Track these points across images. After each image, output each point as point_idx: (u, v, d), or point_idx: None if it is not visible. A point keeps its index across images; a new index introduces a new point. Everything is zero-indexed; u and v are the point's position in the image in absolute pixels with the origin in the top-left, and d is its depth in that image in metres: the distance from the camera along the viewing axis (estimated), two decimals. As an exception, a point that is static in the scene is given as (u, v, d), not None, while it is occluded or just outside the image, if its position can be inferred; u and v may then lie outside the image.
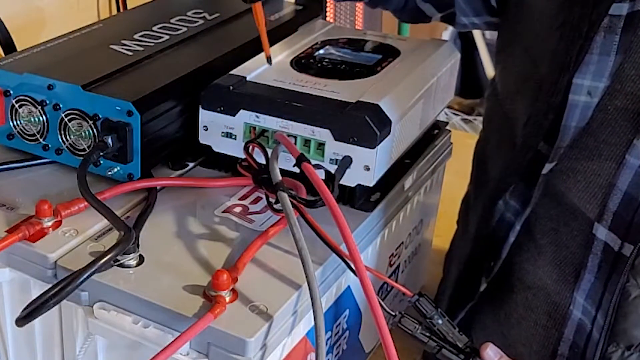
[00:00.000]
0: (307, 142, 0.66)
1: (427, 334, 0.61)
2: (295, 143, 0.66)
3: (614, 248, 0.66)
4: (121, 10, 1.21)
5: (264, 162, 0.65)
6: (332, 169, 0.64)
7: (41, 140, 0.70)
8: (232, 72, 0.72)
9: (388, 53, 0.78)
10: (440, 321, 0.62)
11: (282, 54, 0.76)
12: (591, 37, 0.64)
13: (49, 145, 0.70)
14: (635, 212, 0.64)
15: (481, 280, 0.78)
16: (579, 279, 0.69)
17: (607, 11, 0.63)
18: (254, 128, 0.68)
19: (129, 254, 0.59)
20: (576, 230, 0.69)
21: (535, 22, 0.71)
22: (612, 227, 0.66)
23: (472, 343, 0.62)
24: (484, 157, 0.84)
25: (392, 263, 0.79)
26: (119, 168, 0.68)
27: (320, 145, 0.66)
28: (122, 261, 0.58)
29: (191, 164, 0.74)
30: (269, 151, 0.64)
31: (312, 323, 0.56)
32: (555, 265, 0.71)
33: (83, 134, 0.68)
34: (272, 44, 0.79)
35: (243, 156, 0.67)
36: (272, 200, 0.64)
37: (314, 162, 0.63)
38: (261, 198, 0.68)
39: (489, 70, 2.59)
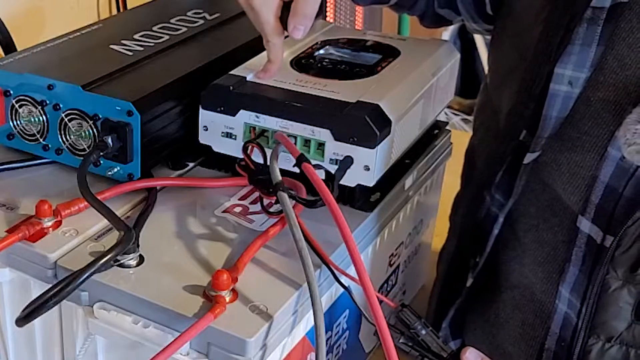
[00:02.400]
0: (307, 142, 0.66)
1: (410, 344, 0.62)
2: (295, 143, 0.66)
3: (596, 240, 0.66)
4: (121, 10, 1.21)
5: (263, 163, 0.65)
6: (332, 169, 0.64)
7: (41, 140, 0.70)
8: (232, 72, 0.72)
9: (388, 53, 0.78)
10: (423, 331, 0.63)
11: (282, 54, 0.76)
12: (572, 28, 0.65)
13: (49, 145, 0.70)
14: (617, 203, 0.64)
15: (467, 276, 0.78)
16: (564, 273, 0.69)
17: (589, 3, 0.64)
18: (254, 128, 0.68)
19: (129, 254, 0.59)
20: (556, 227, 0.70)
21: (523, 15, 0.72)
22: (595, 219, 0.66)
23: (455, 352, 0.63)
24: (472, 151, 0.84)
25: (392, 263, 0.79)
26: (119, 168, 0.68)
27: (320, 145, 0.66)
28: (122, 261, 0.59)
29: (191, 164, 0.74)
30: (268, 152, 0.64)
31: (312, 323, 0.56)
32: (538, 263, 0.72)
33: (83, 134, 0.68)
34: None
35: (242, 156, 0.67)
36: (267, 201, 0.64)
37: (314, 162, 0.63)
38: (261, 198, 0.69)
39: (489, 70, 2.59)
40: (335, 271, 0.61)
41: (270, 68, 0.70)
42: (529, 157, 0.70)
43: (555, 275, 0.71)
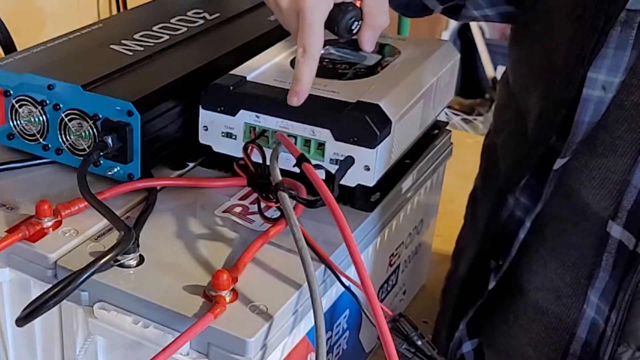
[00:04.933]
0: (307, 142, 0.66)
1: (412, 350, 0.62)
2: (296, 143, 0.66)
3: (628, 247, 0.65)
4: (121, 10, 1.21)
5: (262, 163, 0.65)
6: (332, 169, 0.64)
7: (41, 140, 0.70)
8: (232, 72, 0.72)
9: (388, 53, 0.78)
10: (419, 342, 0.63)
11: (282, 54, 0.76)
12: (607, 31, 0.63)
13: (49, 145, 0.70)
14: None
15: (489, 279, 0.77)
16: (593, 278, 0.69)
17: (624, 5, 0.62)
18: (254, 128, 0.68)
19: (129, 254, 0.59)
20: (586, 231, 0.69)
21: (552, 14, 0.70)
22: (627, 225, 0.65)
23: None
24: (495, 151, 0.82)
25: (392, 263, 0.79)
26: (119, 168, 0.68)
27: (321, 146, 0.66)
28: (122, 261, 0.58)
29: (191, 164, 0.74)
30: (267, 153, 0.64)
31: (313, 323, 0.56)
32: (567, 267, 0.71)
33: (83, 134, 0.68)
34: (272, 43, 0.79)
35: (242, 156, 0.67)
36: (264, 204, 0.64)
37: (314, 162, 0.63)
38: (261, 198, 0.69)
39: (489, 70, 2.59)
40: (338, 273, 0.61)
41: (301, 89, 0.62)
42: (559, 163, 0.68)
43: (583, 280, 0.70)
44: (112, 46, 0.78)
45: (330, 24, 0.62)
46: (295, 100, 0.62)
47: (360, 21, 0.63)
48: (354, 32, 0.64)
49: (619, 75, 0.64)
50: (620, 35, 0.63)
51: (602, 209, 0.67)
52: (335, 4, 0.61)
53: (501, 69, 2.36)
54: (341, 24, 0.62)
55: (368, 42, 0.64)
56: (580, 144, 0.67)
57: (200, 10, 0.90)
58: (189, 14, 0.88)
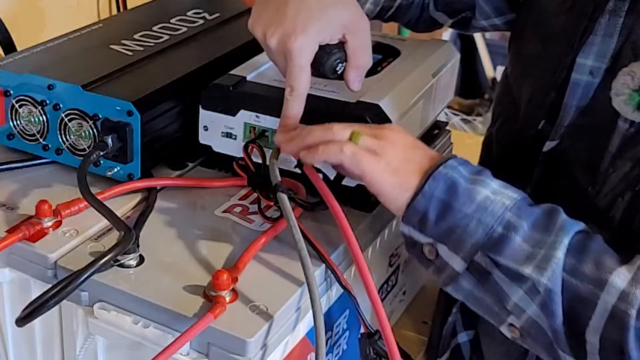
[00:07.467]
0: (307, 142, 0.66)
1: None
2: (296, 143, 0.66)
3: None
4: (121, 10, 1.21)
5: (262, 163, 0.65)
6: (332, 168, 0.64)
7: (41, 140, 0.70)
8: (232, 72, 0.72)
9: (388, 53, 0.78)
10: None
11: (282, 54, 0.76)
12: (595, 18, 0.65)
13: (49, 145, 0.70)
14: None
15: None
16: None
17: None
18: (254, 128, 0.68)
19: (129, 254, 0.59)
20: (575, 212, 0.70)
21: (546, 5, 0.73)
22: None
23: None
24: (490, 140, 0.84)
25: (392, 263, 0.79)
26: (119, 168, 0.68)
27: (321, 145, 0.66)
28: (122, 261, 0.58)
29: (191, 164, 0.74)
30: (267, 154, 0.64)
31: (312, 323, 0.56)
32: None
33: (83, 134, 0.68)
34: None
35: (243, 156, 0.67)
36: (265, 204, 0.64)
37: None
38: (261, 198, 0.69)
39: (489, 70, 2.59)
40: (338, 275, 0.61)
41: (290, 124, 0.63)
42: (548, 146, 0.70)
43: None
44: (112, 46, 0.78)
45: (316, 65, 0.64)
46: (281, 137, 0.64)
47: (344, 63, 0.65)
48: (339, 73, 0.65)
49: (605, 61, 0.66)
50: (608, 23, 0.65)
51: (588, 184, 0.68)
52: (320, 46, 0.63)
53: (501, 69, 2.36)
54: (326, 66, 0.64)
55: (354, 82, 0.66)
56: (568, 127, 0.68)
57: (200, 10, 0.90)
58: (189, 14, 0.88)
